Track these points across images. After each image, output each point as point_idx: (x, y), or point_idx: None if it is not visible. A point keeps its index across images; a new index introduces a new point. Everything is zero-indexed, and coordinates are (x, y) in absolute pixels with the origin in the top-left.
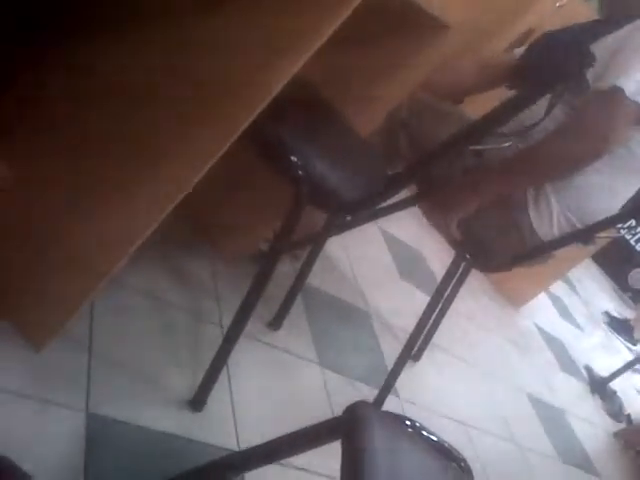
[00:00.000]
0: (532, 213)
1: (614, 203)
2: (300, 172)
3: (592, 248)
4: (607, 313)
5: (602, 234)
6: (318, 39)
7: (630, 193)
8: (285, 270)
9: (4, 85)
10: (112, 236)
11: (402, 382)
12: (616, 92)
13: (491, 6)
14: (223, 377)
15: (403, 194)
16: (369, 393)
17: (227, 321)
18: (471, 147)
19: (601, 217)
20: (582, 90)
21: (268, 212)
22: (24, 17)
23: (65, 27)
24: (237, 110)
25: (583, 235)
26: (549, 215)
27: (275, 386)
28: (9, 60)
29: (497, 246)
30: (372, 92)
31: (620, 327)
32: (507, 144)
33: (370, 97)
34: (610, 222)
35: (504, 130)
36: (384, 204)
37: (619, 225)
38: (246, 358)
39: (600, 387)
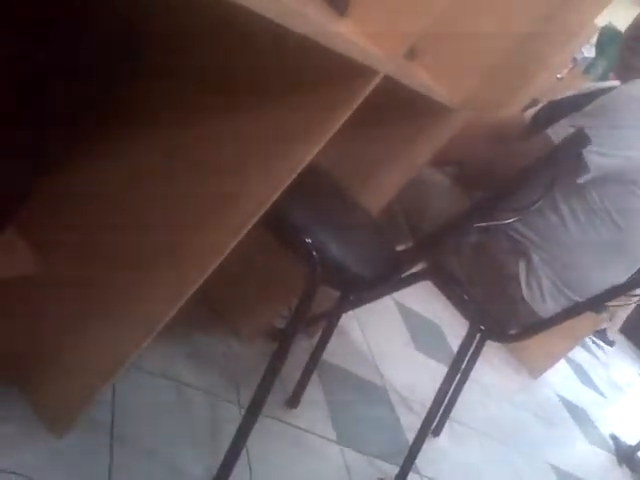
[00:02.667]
0: (523, 285)
1: (601, 279)
2: (314, 253)
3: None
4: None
5: (614, 302)
6: (330, 130)
7: (620, 270)
8: (300, 346)
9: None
10: (132, 322)
11: (423, 458)
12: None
13: (494, 83)
14: (242, 458)
15: (415, 268)
16: (390, 470)
17: (245, 400)
18: (476, 224)
19: (589, 290)
20: (580, 170)
21: (283, 290)
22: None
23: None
24: (254, 198)
25: (589, 306)
26: (539, 287)
27: (295, 467)
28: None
29: (502, 318)
30: (380, 172)
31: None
32: (511, 220)
33: (378, 177)
34: (620, 290)
35: (507, 206)
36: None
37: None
38: (265, 438)
39: (628, 457)
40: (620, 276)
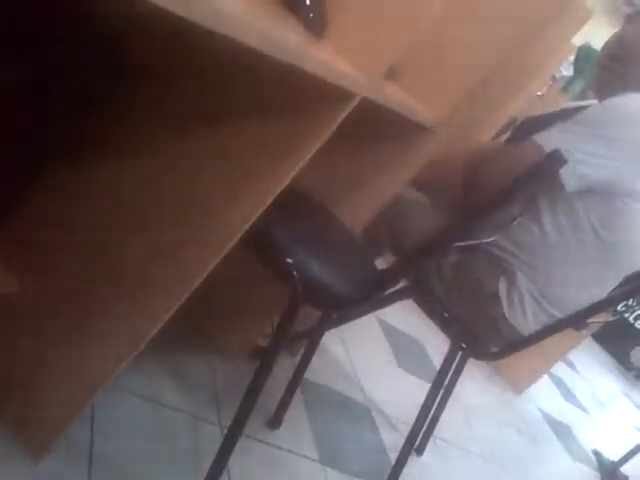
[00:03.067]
0: (504, 303)
1: (583, 295)
2: (295, 273)
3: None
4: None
5: (594, 319)
6: (309, 151)
7: (603, 286)
8: (283, 365)
9: (17, 202)
10: (113, 340)
11: (406, 477)
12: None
13: (474, 103)
14: (223, 479)
15: (396, 286)
16: None
17: (226, 421)
18: (456, 244)
19: (571, 306)
20: (557, 188)
21: (266, 308)
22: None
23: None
24: (234, 218)
25: (570, 323)
26: (521, 304)
27: None
28: (18, 183)
29: (484, 336)
30: (361, 191)
31: None
32: (490, 239)
33: (359, 195)
34: (600, 307)
35: (486, 225)
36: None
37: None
38: (246, 460)
39: (611, 473)
40: (603, 291)
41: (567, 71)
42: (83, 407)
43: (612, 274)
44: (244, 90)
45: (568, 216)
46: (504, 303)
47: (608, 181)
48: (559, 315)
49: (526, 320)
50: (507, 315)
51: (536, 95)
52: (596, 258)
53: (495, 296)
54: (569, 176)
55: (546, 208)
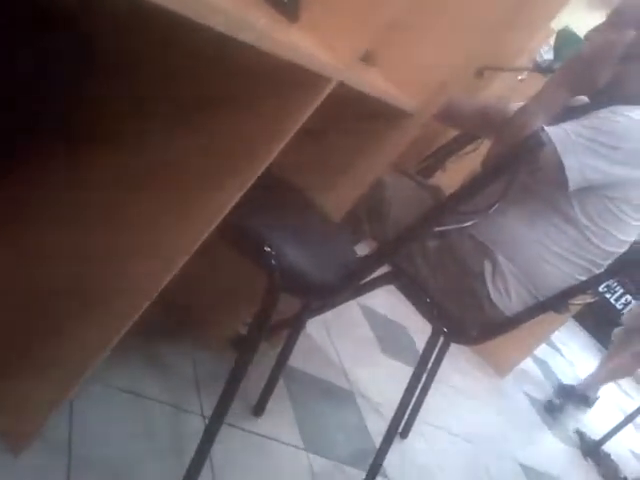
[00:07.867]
0: (490, 286)
1: (564, 280)
2: (273, 261)
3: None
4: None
5: (575, 301)
6: (283, 137)
7: (586, 274)
8: (265, 354)
9: None
10: (89, 336)
11: (390, 461)
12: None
13: (454, 87)
14: (206, 468)
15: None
16: (357, 475)
17: (208, 410)
18: (435, 229)
19: (553, 289)
20: (534, 171)
21: (246, 297)
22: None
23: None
24: (209, 208)
25: (553, 305)
26: (505, 287)
27: (260, 475)
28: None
29: (466, 320)
30: (340, 178)
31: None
32: (469, 223)
33: (339, 182)
34: (580, 289)
35: (464, 209)
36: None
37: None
38: (229, 448)
39: (593, 451)
40: (580, 276)
41: (548, 55)
42: (61, 401)
43: (595, 265)
44: (217, 77)
45: (557, 208)
46: (489, 285)
47: (607, 183)
48: (541, 298)
49: (510, 301)
50: (492, 296)
51: (518, 79)
52: (579, 251)
53: (480, 276)
54: (574, 180)
55: (534, 198)
